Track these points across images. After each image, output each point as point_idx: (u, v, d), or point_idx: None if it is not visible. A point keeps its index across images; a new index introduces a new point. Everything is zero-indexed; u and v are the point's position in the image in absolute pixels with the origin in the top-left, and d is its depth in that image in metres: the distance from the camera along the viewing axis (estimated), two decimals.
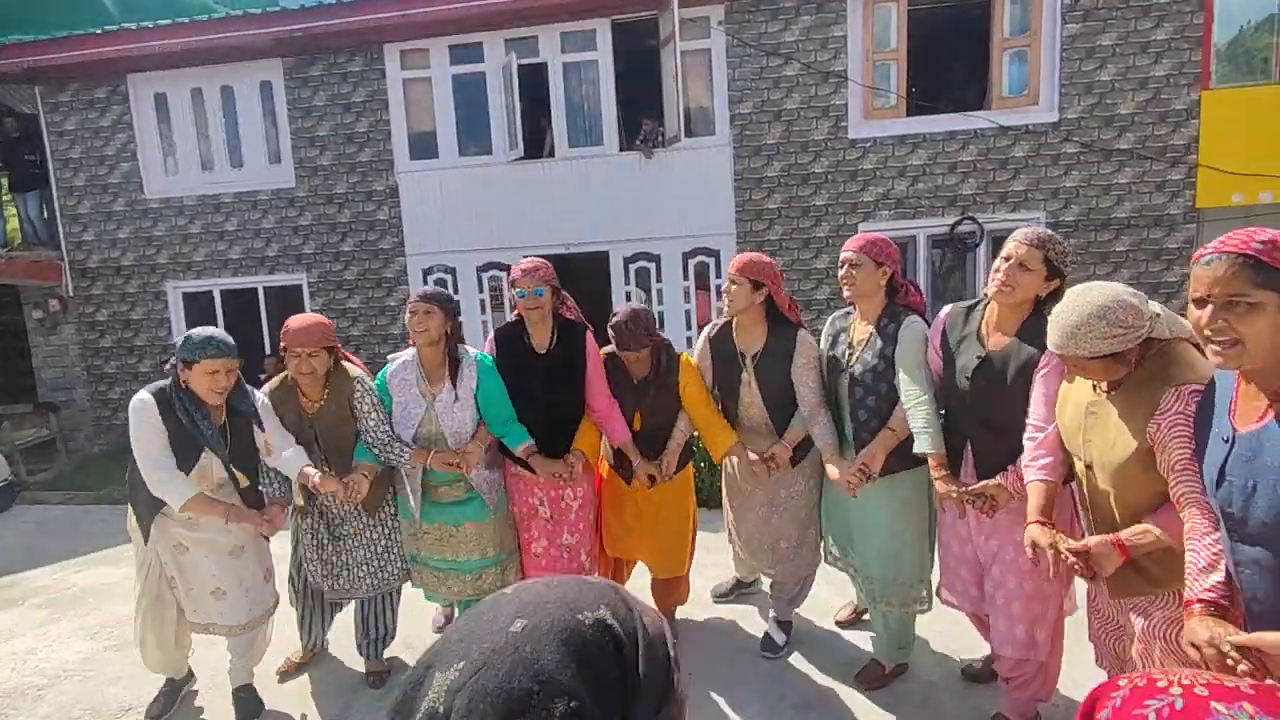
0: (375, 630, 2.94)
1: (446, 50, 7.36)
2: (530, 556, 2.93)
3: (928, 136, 6.84)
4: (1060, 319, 1.68)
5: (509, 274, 3.19)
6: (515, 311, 2.84)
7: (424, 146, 7.58)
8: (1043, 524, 1.85)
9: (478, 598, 2.83)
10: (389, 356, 2.93)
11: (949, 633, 2.95)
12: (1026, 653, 2.22)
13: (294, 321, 2.64)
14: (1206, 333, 1.31)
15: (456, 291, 7.56)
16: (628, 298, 7.34)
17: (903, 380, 2.41)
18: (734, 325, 2.80)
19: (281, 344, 2.65)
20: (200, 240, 7.98)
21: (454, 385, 2.73)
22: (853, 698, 2.66)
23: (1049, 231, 2.13)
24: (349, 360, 2.83)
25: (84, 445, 8.19)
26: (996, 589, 2.28)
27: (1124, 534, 1.70)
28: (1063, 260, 2.11)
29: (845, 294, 2.55)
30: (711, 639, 3.13)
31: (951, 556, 2.46)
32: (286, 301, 7.81)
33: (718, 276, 7.23)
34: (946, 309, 2.40)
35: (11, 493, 5.62)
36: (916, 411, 2.36)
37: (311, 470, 2.58)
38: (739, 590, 3.50)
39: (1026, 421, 2.04)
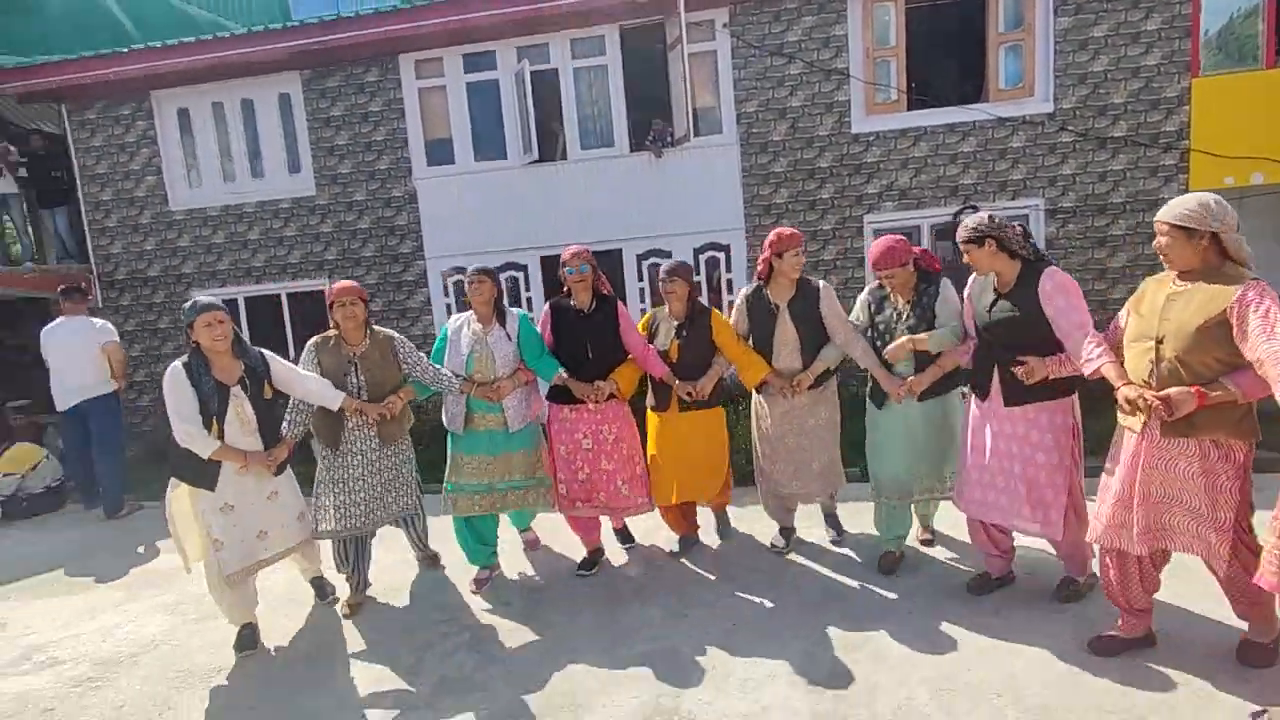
0: (416, 532, 3.82)
1: (460, 59, 7.61)
2: (577, 483, 3.69)
3: (928, 129, 7.09)
4: (1167, 204, 2.38)
5: (557, 260, 3.87)
6: (565, 287, 3.71)
7: (440, 153, 7.82)
8: (1129, 383, 2.40)
9: (497, 513, 3.70)
10: (450, 320, 3.83)
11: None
12: (1053, 532, 2.84)
13: (338, 285, 3.46)
14: None
15: None
16: (641, 294, 7.59)
17: (942, 314, 3.22)
18: (768, 287, 3.62)
19: (330, 300, 3.41)
20: (224, 249, 8.22)
21: (503, 327, 3.63)
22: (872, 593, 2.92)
23: (980, 223, 2.84)
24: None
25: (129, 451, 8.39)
26: (1021, 482, 2.86)
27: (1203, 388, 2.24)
28: (1010, 240, 2.82)
29: (887, 289, 3.38)
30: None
31: (974, 469, 3.03)
32: (309, 307, 8.06)
33: (729, 270, 7.48)
34: (972, 278, 3.11)
35: (63, 493, 5.84)
36: (951, 332, 3.18)
37: (353, 401, 3.31)
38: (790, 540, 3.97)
39: (1076, 335, 2.66)
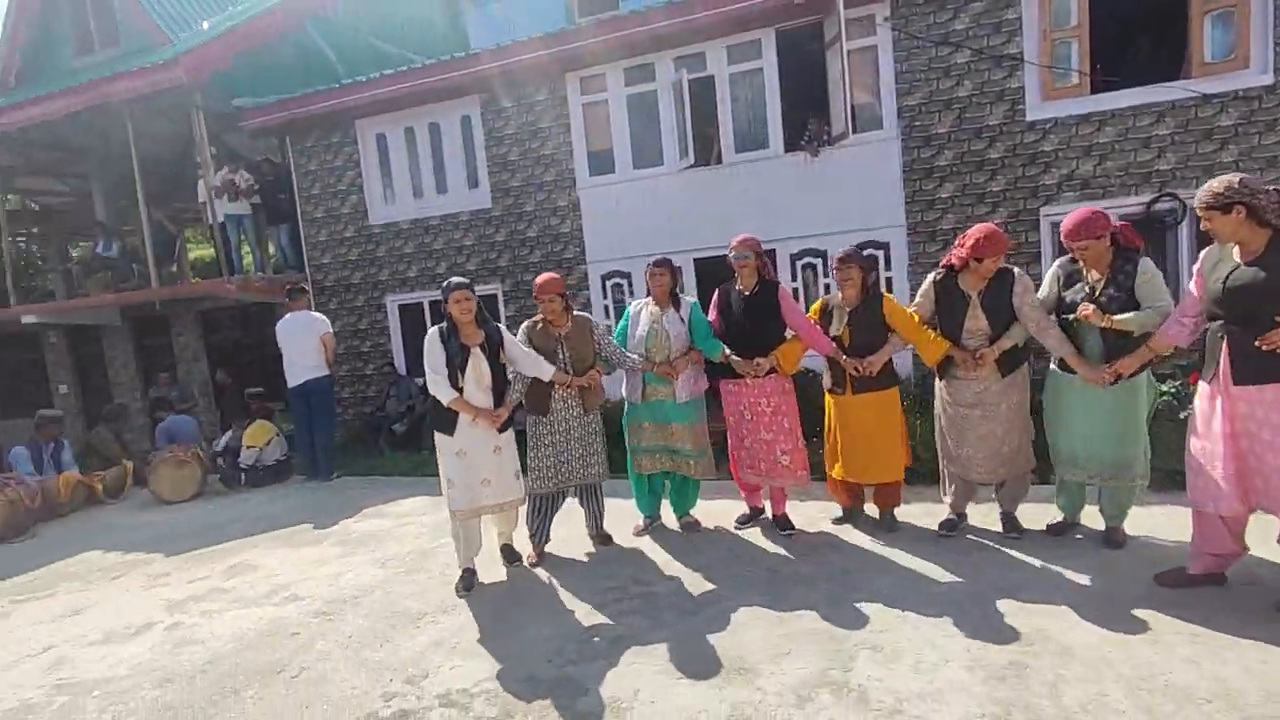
0: (595, 509, 4.22)
1: (621, 73, 8.02)
2: (743, 450, 4.12)
3: (1115, 112, 6.54)
4: None
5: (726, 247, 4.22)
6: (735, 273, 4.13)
7: (601, 163, 8.28)
8: None
9: (671, 473, 4.26)
10: (630, 303, 4.48)
11: None
12: None
13: (540, 279, 3.99)
14: None
15: (632, 293, 8.16)
16: (795, 294, 7.58)
17: (1145, 294, 3.13)
18: (959, 274, 3.65)
19: (535, 294, 3.98)
20: (413, 259, 9.18)
21: (677, 311, 4.10)
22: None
23: (1229, 187, 2.66)
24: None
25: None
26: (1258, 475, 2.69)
27: None
28: (1265, 208, 2.62)
29: (1080, 263, 3.35)
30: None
31: (1201, 455, 2.84)
32: (485, 309, 8.78)
33: (888, 269, 7.29)
34: (1204, 252, 2.91)
35: (288, 467, 6.83)
36: (1156, 312, 3.09)
37: (562, 373, 3.88)
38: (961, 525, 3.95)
39: None
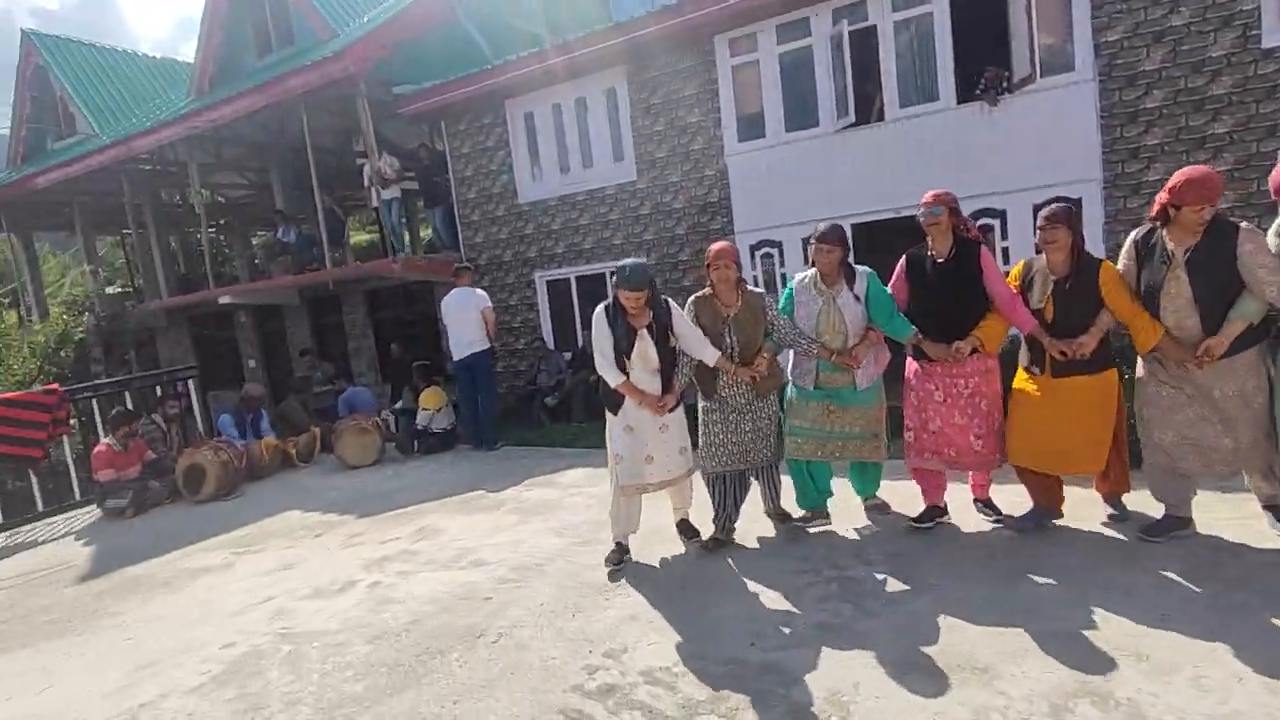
0: (771, 485, 3.89)
1: (774, 31, 7.61)
2: (927, 434, 3.62)
3: None
4: None
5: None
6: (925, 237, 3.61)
7: (751, 128, 7.94)
8: None
9: (828, 460, 3.81)
10: (795, 274, 3.93)
11: None
12: None
13: (716, 245, 3.66)
14: None
15: (783, 264, 7.83)
16: None
17: None
18: (1164, 229, 3.08)
19: (706, 261, 3.66)
20: (560, 235, 9.30)
21: (850, 288, 3.61)
22: None
23: None
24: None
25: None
26: None
27: None
28: None
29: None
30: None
31: None
32: (656, 286, 8.76)
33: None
34: None
35: (454, 436, 7.16)
36: None
37: (727, 361, 3.57)
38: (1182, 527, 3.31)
39: None
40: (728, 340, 3.64)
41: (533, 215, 9.47)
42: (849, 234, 7.39)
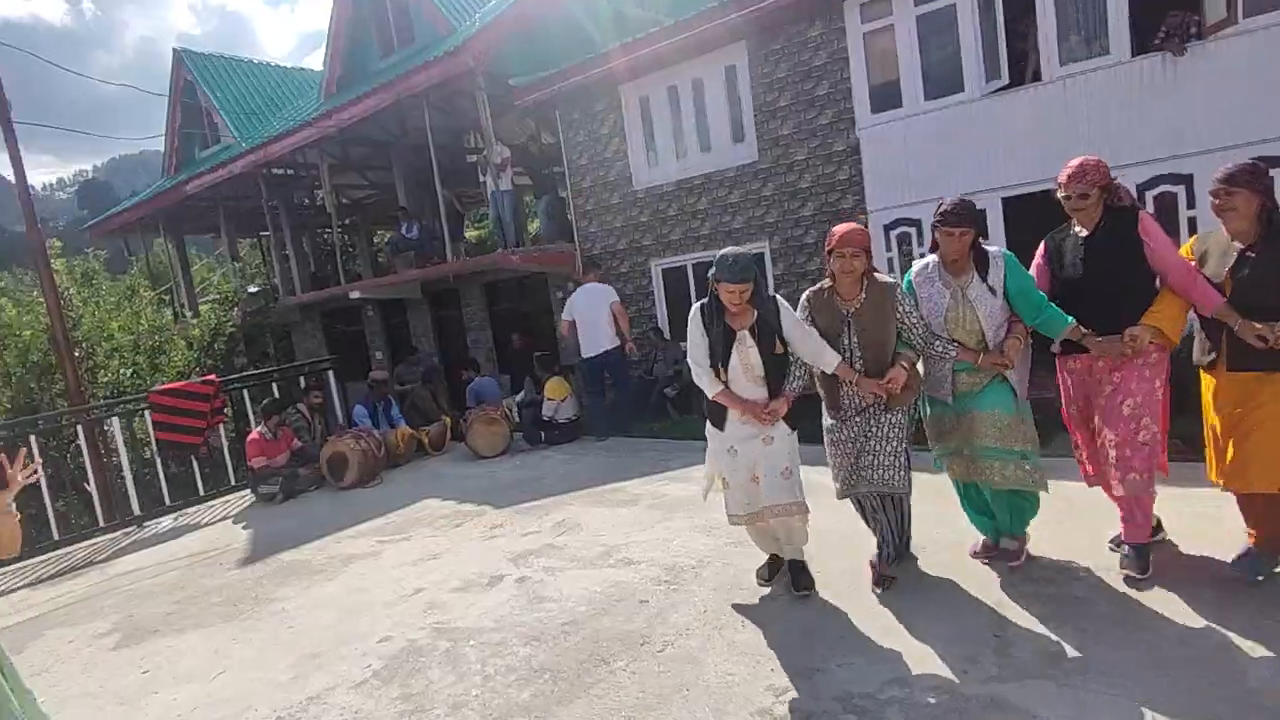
0: (891, 528, 3.19)
1: None
2: (1091, 447, 3.02)
3: None
4: None
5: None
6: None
7: (886, 98, 7.38)
8: None
9: (978, 482, 3.11)
10: (914, 266, 3.24)
11: None
12: None
13: (840, 229, 3.04)
14: None
15: (921, 244, 7.25)
16: None
17: None
18: None
19: (828, 247, 3.05)
20: (676, 221, 9.05)
21: (984, 277, 2.97)
22: None
23: None
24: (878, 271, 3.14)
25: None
26: None
27: None
28: None
29: None
30: None
31: None
32: (761, 281, 8.41)
33: None
34: None
35: (579, 427, 7.09)
36: None
37: (849, 369, 3.02)
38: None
39: None
40: (846, 342, 3.06)
41: (648, 202, 9.27)
42: (1000, 209, 6.82)
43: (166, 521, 6.36)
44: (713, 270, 2.97)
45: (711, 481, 3.36)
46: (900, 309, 3.01)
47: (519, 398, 7.83)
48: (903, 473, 3.06)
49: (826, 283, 3.14)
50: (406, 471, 6.85)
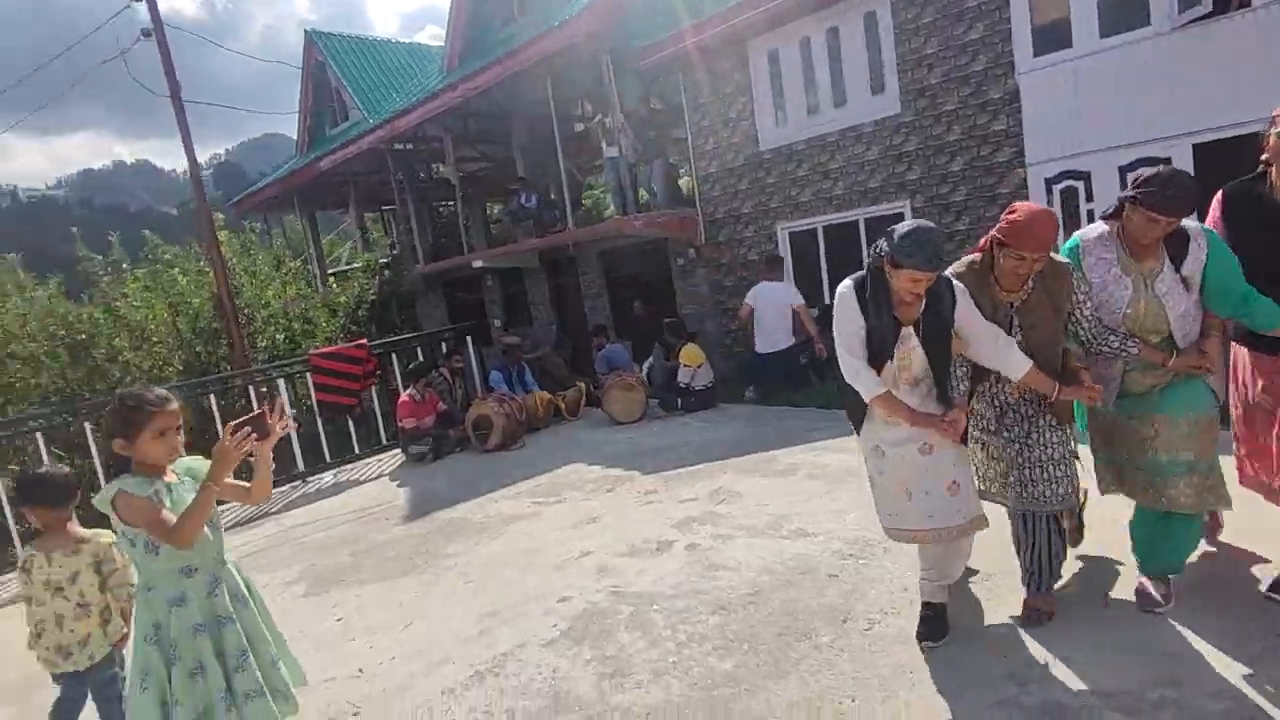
0: (1041, 553, 2.53)
1: None
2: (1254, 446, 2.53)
3: None
4: None
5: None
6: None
7: (1052, 37, 6.69)
8: None
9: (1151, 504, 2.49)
10: (1077, 233, 2.62)
11: None
12: None
13: (1025, 216, 2.31)
14: None
15: (1090, 199, 6.59)
16: None
17: None
18: None
19: (1002, 238, 2.38)
20: (807, 181, 8.66)
21: (1177, 266, 2.40)
22: None
23: None
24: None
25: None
26: None
27: None
28: None
29: None
30: None
31: None
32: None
33: None
34: None
35: (714, 395, 6.97)
36: None
37: (1043, 377, 2.41)
38: None
39: None
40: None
41: (775, 162, 8.91)
42: (1189, 156, 6.07)
43: (328, 477, 6.76)
44: (884, 248, 2.35)
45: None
46: (1075, 295, 2.46)
47: (647, 364, 7.78)
48: (1069, 487, 2.51)
49: (977, 258, 2.55)
50: (545, 436, 6.97)
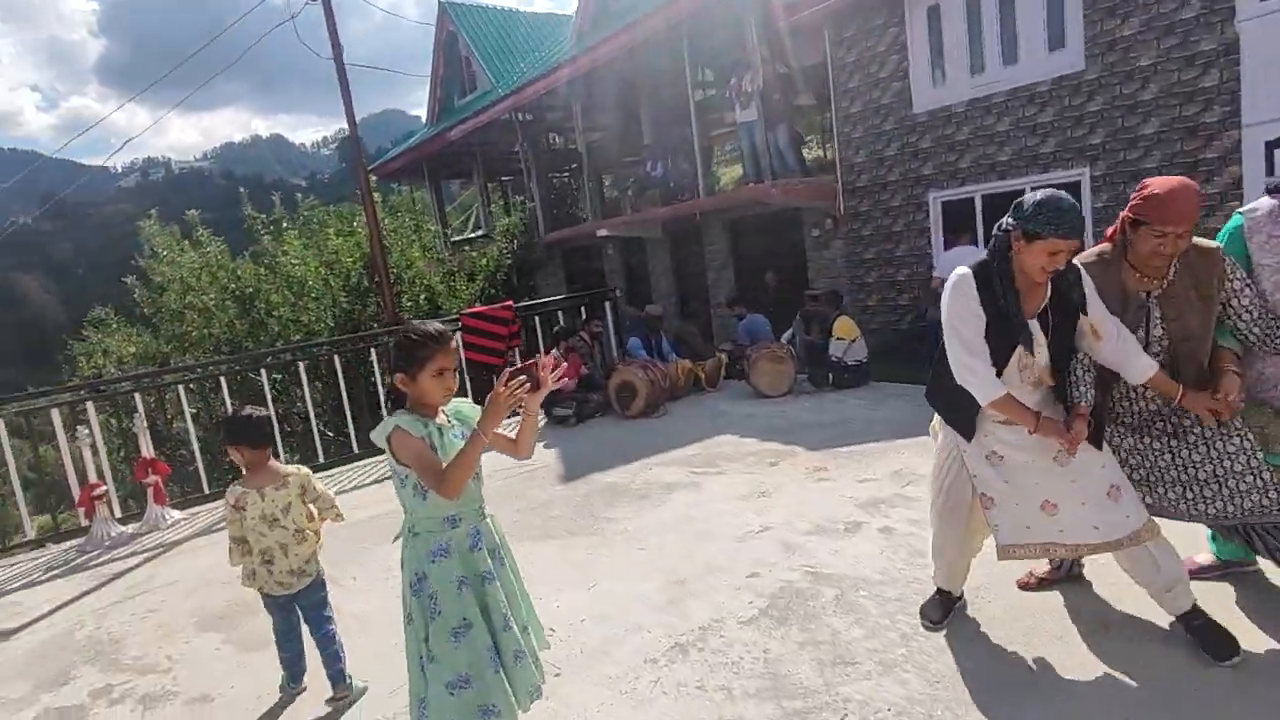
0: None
1: None
2: None
3: None
4: None
5: None
6: None
7: None
8: None
9: None
10: (1239, 210, 2.31)
11: None
12: None
13: (1163, 188, 2.08)
14: None
15: None
16: None
17: None
18: None
19: (1135, 215, 2.13)
20: (967, 147, 8.04)
21: None
22: None
23: None
24: None
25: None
26: None
27: None
28: None
29: None
30: None
31: None
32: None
33: None
34: None
35: (867, 372, 6.63)
36: None
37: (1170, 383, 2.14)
38: None
39: None
40: (1142, 335, 2.23)
41: (931, 126, 8.32)
42: None
43: None
44: (1010, 223, 2.11)
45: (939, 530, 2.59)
46: (1228, 286, 2.17)
47: (785, 336, 7.51)
48: (1259, 494, 2.17)
49: (1107, 248, 2.29)
50: (685, 405, 6.83)
